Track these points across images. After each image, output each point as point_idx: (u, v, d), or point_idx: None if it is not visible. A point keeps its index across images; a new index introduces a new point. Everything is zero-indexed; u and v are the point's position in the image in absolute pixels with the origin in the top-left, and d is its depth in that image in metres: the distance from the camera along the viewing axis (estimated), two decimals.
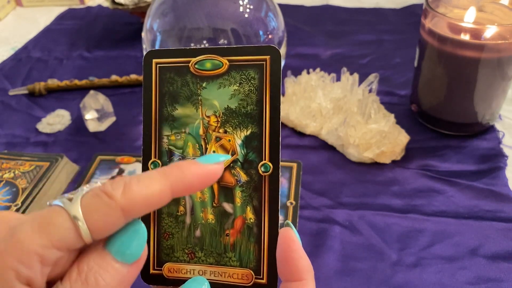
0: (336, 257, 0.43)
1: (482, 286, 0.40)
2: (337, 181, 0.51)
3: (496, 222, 0.45)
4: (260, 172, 0.24)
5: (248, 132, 0.24)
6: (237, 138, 0.24)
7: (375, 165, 0.53)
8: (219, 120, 0.24)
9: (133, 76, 0.70)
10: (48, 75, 0.74)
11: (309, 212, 0.47)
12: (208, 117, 0.25)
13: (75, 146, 0.58)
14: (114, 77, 0.70)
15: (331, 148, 0.56)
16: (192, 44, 0.53)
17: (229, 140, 0.24)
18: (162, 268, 0.25)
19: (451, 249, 0.43)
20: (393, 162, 0.53)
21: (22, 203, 0.47)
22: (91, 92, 0.61)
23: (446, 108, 0.54)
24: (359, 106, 0.55)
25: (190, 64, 0.25)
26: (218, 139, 0.24)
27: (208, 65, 0.25)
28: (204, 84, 0.25)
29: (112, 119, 0.62)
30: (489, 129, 0.57)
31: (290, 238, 0.22)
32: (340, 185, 0.50)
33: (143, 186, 0.19)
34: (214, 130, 0.25)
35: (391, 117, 0.54)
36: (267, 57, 0.24)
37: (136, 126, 0.62)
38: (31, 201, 0.48)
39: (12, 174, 0.51)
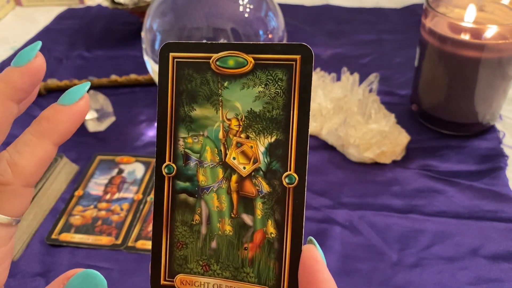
0: (336, 258, 0.43)
1: (483, 287, 0.40)
2: (337, 181, 0.51)
3: (497, 222, 0.45)
4: (284, 183, 0.22)
5: (273, 139, 0.22)
6: (260, 145, 0.22)
7: (375, 165, 0.52)
8: (241, 124, 0.22)
9: (133, 76, 0.70)
10: (48, 75, 0.74)
11: (309, 212, 0.47)
12: (229, 120, 0.23)
13: (75, 146, 0.58)
14: (113, 77, 0.70)
15: (331, 148, 0.56)
16: None
17: (251, 147, 0.22)
18: (174, 280, 0.23)
19: (452, 249, 0.43)
20: (394, 162, 0.53)
21: None
22: (91, 92, 0.61)
23: (446, 108, 0.54)
24: (360, 106, 0.54)
25: (211, 61, 0.23)
26: (239, 144, 0.23)
27: (231, 62, 0.22)
28: (225, 84, 0.22)
29: (112, 119, 0.62)
30: (490, 129, 0.57)
31: (314, 258, 0.21)
32: (340, 185, 0.50)
33: (28, 156, 0.19)
34: (235, 135, 0.23)
35: (392, 117, 0.54)
36: (297, 56, 0.22)
37: (135, 126, 0.61)
38: (30, 201, 0.47)
39: None
